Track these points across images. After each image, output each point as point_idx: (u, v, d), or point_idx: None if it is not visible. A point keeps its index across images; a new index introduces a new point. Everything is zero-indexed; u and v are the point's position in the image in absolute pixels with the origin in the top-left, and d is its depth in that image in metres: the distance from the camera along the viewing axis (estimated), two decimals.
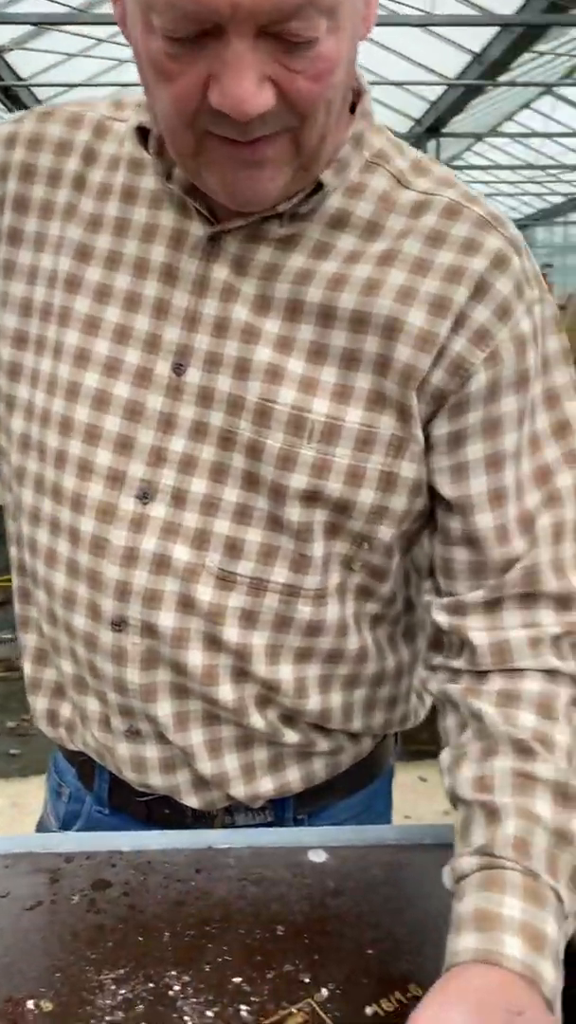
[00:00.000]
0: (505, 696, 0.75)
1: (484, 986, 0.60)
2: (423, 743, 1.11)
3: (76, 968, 0.72)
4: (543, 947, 0.62)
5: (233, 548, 0.79)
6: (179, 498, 0.79)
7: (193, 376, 0.79)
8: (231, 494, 0.79)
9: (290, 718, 0.86)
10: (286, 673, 0.83)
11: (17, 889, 0.80)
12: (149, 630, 0.81)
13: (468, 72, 7.19)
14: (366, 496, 0.78)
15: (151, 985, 0.70)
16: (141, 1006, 0.68)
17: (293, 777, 0.88)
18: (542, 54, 6.84)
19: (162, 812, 0.90)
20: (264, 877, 0.82)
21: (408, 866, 0.84)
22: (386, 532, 0.80)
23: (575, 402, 0.80)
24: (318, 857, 0.85)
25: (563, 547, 0.78)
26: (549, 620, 0.77)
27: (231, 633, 0.81)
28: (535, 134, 9.76)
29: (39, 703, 0.94)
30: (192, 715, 0.84)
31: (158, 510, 0.80)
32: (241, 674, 0.82)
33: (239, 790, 0.86)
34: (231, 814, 0.90)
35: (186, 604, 0.80)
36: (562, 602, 0.77)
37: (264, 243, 0.77)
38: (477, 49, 6.79)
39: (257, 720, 0.84)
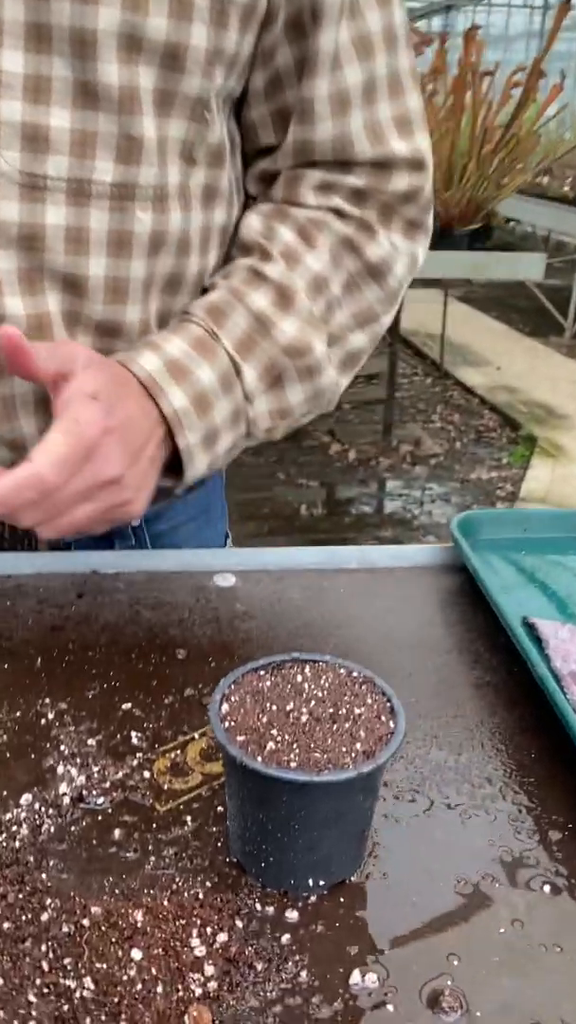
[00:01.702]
0: (275, 212, 0.71)
1: (113, 370, 0.61)
2: None
3: None
4: (182, 378, 0.63)
5: (34, 140, 0.59)
6: None
7: None
8: (12, 60, 0.57)
9: None
10: (132, 314, 0.66)
11: None
12: None
13: None
14: (199, 36, 0.60)
15: (16, 714, 0.57)
16: (3, 735, 0.55)
17: None
18: None
19: None
20: (162, 601, 0.69)
21: (330, 591, 0.71)
22: (221, 90, 0.65)
23: None
24: (226, 581, 0.72)
25: (377, 108, 0.68)
26: (358, 181, 0.70)
27: (57, 262, 0.62)
28: None
29: None
30: (19, 399, 0.66)
31: None
32: (74, 323, 0.65)
33: None
34: None
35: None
36: (378, 167, 0.69)
37: None
38: None
39: None
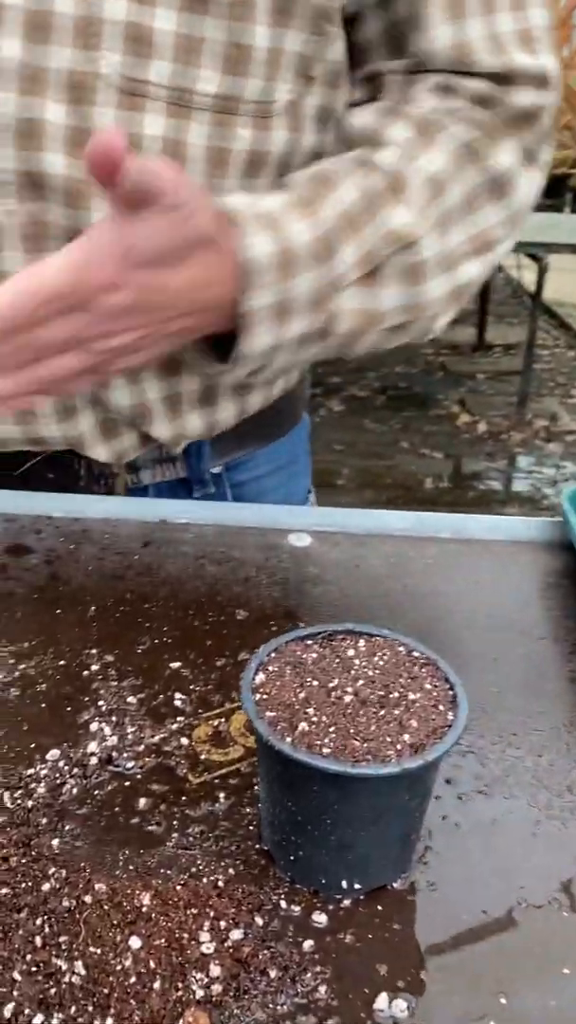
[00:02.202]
0: (388, 109, 0.61)
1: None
2: None
3: None
4: (269, 226, 0.53)
5: (138, 41, 0.54)
6: None
7: None
8: None
9: None
10: None
11: None
12: (31, 186, 0.57)
13: None
14: None
15: (61, 663, 0.53)
16: (43, 684, 0.51)
17: (225, 414, 0.68)
18: None
19: (44, 476, 0.70)
20: (229, 557, 0.64)
21: (415, 560, 0.65)
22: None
23: None
24: (301, 541, 0.66)
25: (496, 18, 0.60)
26: (481, 86, 0.61)
27: None
28: None
29: None
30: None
31: None
32: None
33: (162, 428, 0.66)
34: (136, 471, 0.70)
35: (77, 140, 0.55)
36: (500, 79, 0.61)
37: None
38: None
39: None
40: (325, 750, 0.36)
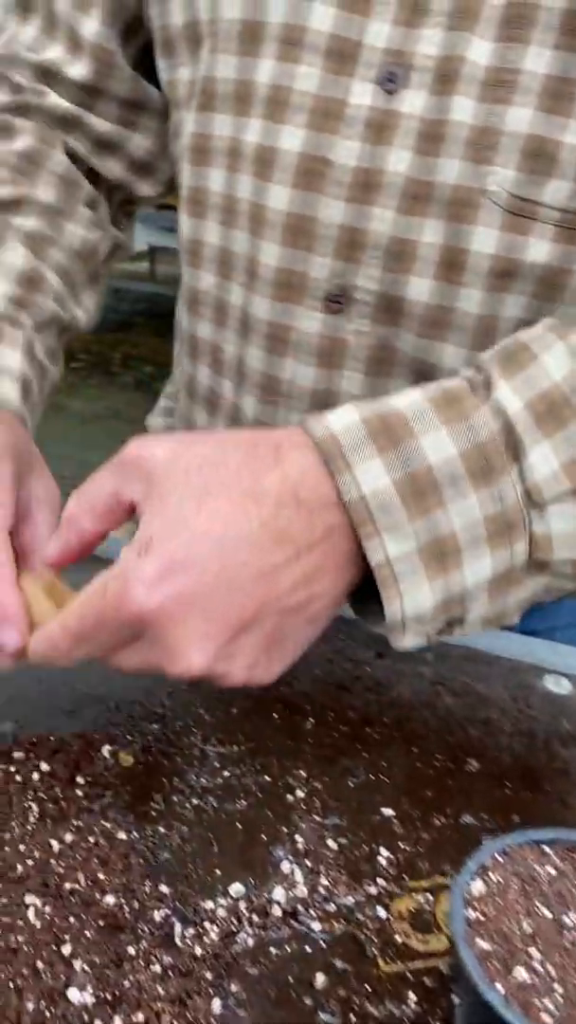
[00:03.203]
0: None
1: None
2: None
3: (178, 726, 0.52)
4: (389, 444, 0.39)
5: (537, 157, 0.49)
6: (447, 75, 0.49)
7: None
8: (537, 59, 0.47)
9: None
10: None
11: None
12: (388, 310, 0.54)
13: None
14: None
15: (266, 779, 0.49)
16: (243, 799, 0.47)
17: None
18: None
19: None
20: (470, 689, 0.57)
21: None
22: None
23: None
24: (559, 687, 0.57)
25: None
26: None
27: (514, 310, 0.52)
28: None
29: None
30: None
31: (412, 100, 0.50)
32: None
33: None
34: None
35: (452, 262, 0.52)
36: None
37: None
38: None
39: None
40: (545, 1017, 0.29)
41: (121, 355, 4.10)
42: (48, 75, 0.64)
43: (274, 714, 0.54)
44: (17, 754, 0.49)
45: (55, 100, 0.64)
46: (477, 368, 0.43)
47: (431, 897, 0.42)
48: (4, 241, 0.61)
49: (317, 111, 0.52)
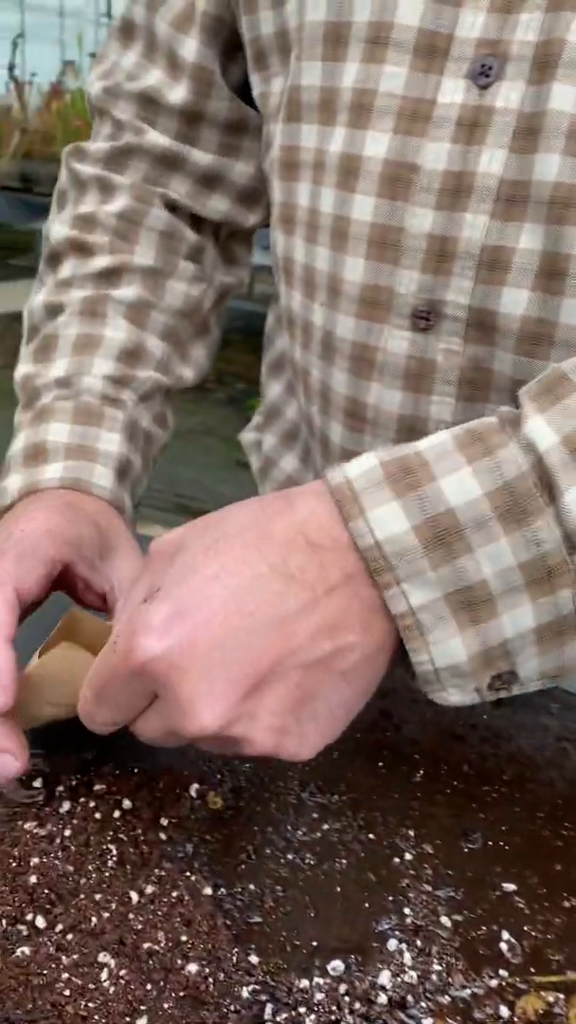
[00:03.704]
0: None
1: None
2: None
3: (272, 767, 0.47)
4: (406, 487, 0.36)
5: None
6: (546, 62, 0.44)
7: None
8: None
9: None
10: None
11: None
12: (480, 326, 0.49)
13: None
14: None
15: (370, 836, 0.43)
16: (344, 859, 0.42)
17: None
18: None
19: None
20: None
21: None
22: None
23: None
24: None
25: None
26: None
27: None
28: None
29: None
30: None
31: (507, 94, 0.45)
32: None
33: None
34: None
35: (553, 271, 0.46)
36: None
37: None
38: None
39: None
40: None
41: (216, 372, 4.12)
42: (149, 104, 0.62)
43: (379, 762, 0.48)
44: (98, 786, 0.45)
45: (155, 138, 0.62)
46: (515, 401, 0.38)
47: (562, 999, 0.36)
48: (105, 317, 0.60)
49: (404, 114, 0.48)
